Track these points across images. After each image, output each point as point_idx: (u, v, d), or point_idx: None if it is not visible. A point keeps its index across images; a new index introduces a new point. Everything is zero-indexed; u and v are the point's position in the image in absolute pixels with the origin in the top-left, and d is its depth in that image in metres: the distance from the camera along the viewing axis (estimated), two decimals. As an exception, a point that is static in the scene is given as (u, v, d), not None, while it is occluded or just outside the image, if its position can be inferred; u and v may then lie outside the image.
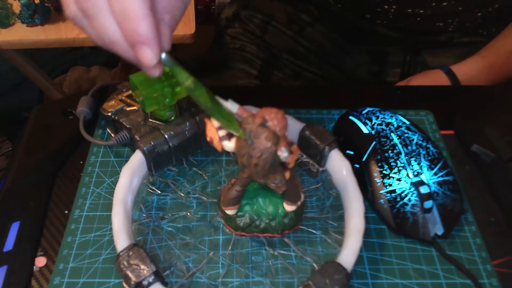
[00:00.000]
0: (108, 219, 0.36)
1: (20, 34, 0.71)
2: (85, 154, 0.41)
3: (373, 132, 0.38)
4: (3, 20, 0.71)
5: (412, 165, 0.35)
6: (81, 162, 0.40)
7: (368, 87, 0.59)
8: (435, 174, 0.35)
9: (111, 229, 0.35)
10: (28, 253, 0.34)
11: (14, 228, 0.35)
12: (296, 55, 0.64)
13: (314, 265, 0.33)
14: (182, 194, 0.37)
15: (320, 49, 0.63)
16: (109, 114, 0.39)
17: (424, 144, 0.37)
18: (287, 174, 0.29)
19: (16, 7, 0.73)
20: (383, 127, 0.38)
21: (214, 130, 0.28)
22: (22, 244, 0.35)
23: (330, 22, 0.61)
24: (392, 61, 0.60)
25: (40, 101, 1.09)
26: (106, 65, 1.23)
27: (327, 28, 0.62)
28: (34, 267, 0.33)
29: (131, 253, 0.29)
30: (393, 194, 0.35)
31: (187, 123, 0.37)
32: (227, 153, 0.40)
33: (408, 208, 0.34)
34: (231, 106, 0.27)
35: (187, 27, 0.70)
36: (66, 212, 0.37)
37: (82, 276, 0.33)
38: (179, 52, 1.13)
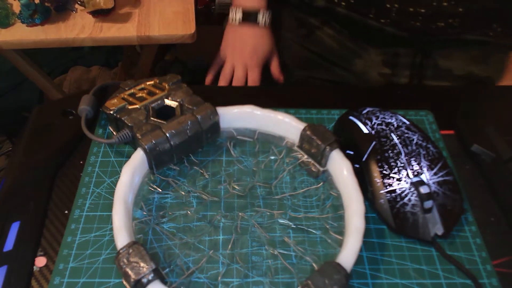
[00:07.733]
0: (108, 219, 0.36)
1: (20, 34, 0.71)
2: (85, 154, 0.41)
3: (373, 132, 0.38)
4: (3, 20, 0.71)
5: (412, 165, 0.35)
6: (81, 162, 0.40)
7: (368, 87, 0.59)
8: (435, 174, 0.35)
9: (111, 229, 0.35)
10: (28, 253, 0.34)
11: (14, 228, 0.35)
12: (304, 62, 0.64)
13: (314, 265, 0.33)
14: (183, 193, 0.37)
15: (329, 52, 0.63)
16: (111, 112, 0.39)
17: (424, 144, 0.37)
18: None
19: (16, 7, 0.73)
20: (383, 127, 0.38)
21: None
22: (22, 244, 0.35)
23: (337, 24, 0.61)
24: (402, 63, 0.60)
25: (40, 101, 1.09)
26: (106, 65, 1.23)
27: (335, 31, 0.61)
28: (34, 267, 0.33)
29: (131, 250, 0.29)
30: (393, 194, 0.35)
31: (189, 122, 0.37)
32: (228, 153, 0.41)
33: (408, 208, 0.34)
34: None
35: (187, 27, 0.69)
36: (66, 212, 0.37)
37: (82, 276, 0.33)
38: (179, 52, 1.13)
